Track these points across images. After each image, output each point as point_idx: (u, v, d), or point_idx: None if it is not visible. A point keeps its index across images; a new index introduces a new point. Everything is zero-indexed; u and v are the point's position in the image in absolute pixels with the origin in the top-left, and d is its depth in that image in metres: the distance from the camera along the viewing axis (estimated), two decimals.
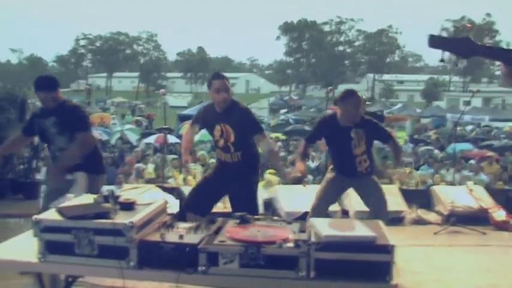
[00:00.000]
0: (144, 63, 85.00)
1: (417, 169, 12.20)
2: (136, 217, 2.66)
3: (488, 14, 69.43)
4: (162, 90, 8.42)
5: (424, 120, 34.29)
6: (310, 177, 10.58)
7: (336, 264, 2.51)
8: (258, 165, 4.61)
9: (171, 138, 16.82)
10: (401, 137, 20.67)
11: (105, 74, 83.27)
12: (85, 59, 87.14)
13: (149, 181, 9.09)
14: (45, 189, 4.75)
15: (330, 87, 8.64)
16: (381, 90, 75.43)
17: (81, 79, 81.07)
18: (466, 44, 2.38)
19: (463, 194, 7.27)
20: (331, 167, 5.01)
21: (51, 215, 2.74)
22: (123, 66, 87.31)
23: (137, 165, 10.66)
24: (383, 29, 77.18)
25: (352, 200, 6.26)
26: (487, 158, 13.27)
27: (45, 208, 3.51)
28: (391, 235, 2.62)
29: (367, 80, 78.92)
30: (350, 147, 4.70)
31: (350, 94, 4.70)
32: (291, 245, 2.56)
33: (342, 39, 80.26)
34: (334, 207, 6.76)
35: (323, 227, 2.64)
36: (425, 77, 76.68)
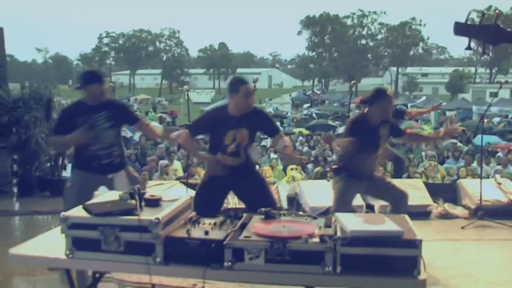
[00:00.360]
0: (167, 60, 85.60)
1: (441, 163, 12.03)
2: (162, 213, 2.67)
3: None
4: (185, 87, 8.42)
5: (449, 113, 33.84)
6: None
7: (363, 259, 2.48)
8: None
9: None
10: (426, 129, 20.42)
11: (128, 72, 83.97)
12: (108, 56, 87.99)
13: (178, 179, 9.11)
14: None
15: (352, 81, 8.63)
16: (405, 84, 74.68)
17: (105, 77, 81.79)
18: (494, 31, 2.31)
19: (491, 188, 7.15)
20: (336, 171, 4.77)
21: (78, 212, 2.77)
22: (145, 63, 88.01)
23: (161, 161, 10.71)
24: (406, 21, 76.21)
25: None
26: None
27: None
28: (418, 229, 2.58)
29: (391, 74, 78.17)
30: (376, 146, 4.65)
31: (382, 92, 4.63)
32: (316, 240, 2.54)
33: (364, 32, 79.59)
34: (358, 202, 6.73)
35: (349, 222, 2.62)
36: (450, 69, 75.74)
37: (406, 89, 72.35)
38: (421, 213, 6.47)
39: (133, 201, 2.77)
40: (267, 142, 14.67)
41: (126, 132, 17.27)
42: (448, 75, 70.39)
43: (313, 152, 15.17)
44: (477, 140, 15.79)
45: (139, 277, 3.37)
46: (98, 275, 3.10)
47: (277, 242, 2.52)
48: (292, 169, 10.32)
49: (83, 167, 4.35)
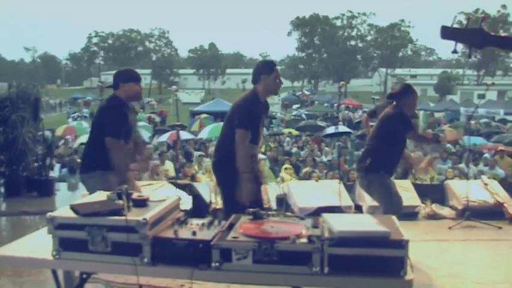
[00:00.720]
0: (156, 60, 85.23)
1: None
2: (150, 214, 2.66)
3: (504, 6, 68.28)
4: (174, 87, 8.48)
5: (437, 115, 34.04)
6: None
7: (350, 260, 2.49)
8: None
9: (184, 135, 16.87)
10: None
11: None
12: (97, 56, 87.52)
13: (169, 179, 9.08)
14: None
15: (342, 82, 8.66)
16: (393, 85, 74.97)
17: (94, 76, 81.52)
18: (479, 35, 2.34)
19: (478, 189, 7.21)
20: (372, 169, 4.68)
21: (65, 212, 2.75)
22: (135, 63, 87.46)
23: (151, 162, 10.66)
24: (395, 23, 76.57)
25: (366, 195, 6.23)
26: (498, 152, 13.14)
27: None
28: (405, 230, 2.60)
29: (380, 75, 78.47)
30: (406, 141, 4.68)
31: (410, 87, 4.65)
32: (304, 240, 2.54)
33: (353, 33, 79.80)
34: (347, 203, 6.76)
35: (336, 223, 2.63)
36: (438, 71, 76.05)
37: None
38: (409, 214, 6.50)
39: (120, 202, 2.76)
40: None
41: None
42: (436, 77, 70.71)
43: (302, 152, 15.21)
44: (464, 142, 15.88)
45: (127, 278, 3.36)
46: (85, 276, 3.08)
47: (265, 243, 2.52)
48: (286, 169, 10.34)
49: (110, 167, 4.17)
